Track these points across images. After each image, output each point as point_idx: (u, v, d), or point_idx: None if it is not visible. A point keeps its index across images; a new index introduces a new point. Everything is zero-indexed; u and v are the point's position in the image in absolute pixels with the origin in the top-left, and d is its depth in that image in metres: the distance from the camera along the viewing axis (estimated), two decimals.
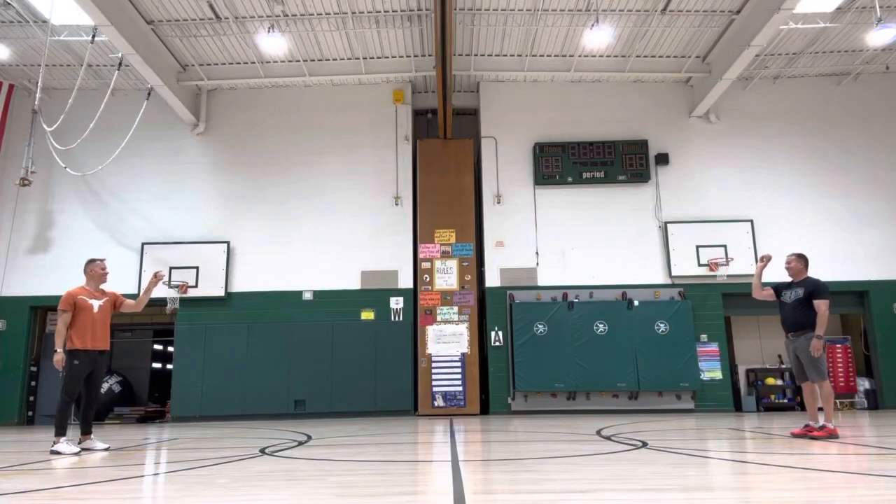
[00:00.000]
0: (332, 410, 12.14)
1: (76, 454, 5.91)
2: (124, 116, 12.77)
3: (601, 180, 13.11)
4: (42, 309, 13.27)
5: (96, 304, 6.52)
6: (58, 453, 5.89)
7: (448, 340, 12.38)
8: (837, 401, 12.51)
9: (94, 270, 6.68)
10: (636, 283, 12.65)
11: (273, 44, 11.48)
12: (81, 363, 6.27)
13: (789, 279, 6.78)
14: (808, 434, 6.20)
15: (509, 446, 5.91)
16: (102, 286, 6.75)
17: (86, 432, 6.44)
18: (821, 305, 6.30)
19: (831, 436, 6.06)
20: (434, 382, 12.19)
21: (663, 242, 12.88)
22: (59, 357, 6.17)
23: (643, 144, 13.22)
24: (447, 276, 12.69)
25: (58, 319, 6.31)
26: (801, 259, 6.73)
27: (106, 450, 6.27)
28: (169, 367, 14.25)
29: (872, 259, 12.76)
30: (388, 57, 13.04)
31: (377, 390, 12.26)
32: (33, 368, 12.92)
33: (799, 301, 6.46)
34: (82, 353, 6.29)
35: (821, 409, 6.41)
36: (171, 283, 12.58)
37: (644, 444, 5.71)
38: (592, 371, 11.99)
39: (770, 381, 12.65)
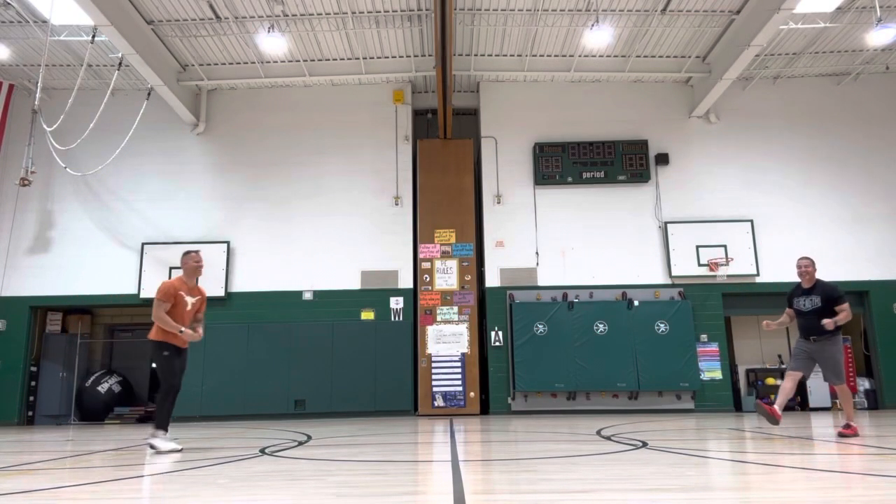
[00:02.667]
0: (332, 410, 12.14)
1: (178, 451, 5.69)
2: (124, 116, 12.78)
3: (601, 180, 13.11)
4: (42, 309, 13.27)
5: (190, 301, 6.18)
6: (154, 447, 5.70)
7: (448, 340, 12.38)
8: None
9: (188, 263, 6.29)
10: (636, 283, 12.65)
11: (273, 44, 11.48)
12: (171, 354, 6.04)
13: (801, 283, 6.83)
14: (855, 433, 6.33)
15: (509, 446, 5.91)
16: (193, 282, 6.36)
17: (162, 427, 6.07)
18: (846, 307, 6.42)
19: (855, 434, 6.24)
20: (434, 382, 12.19)
21: (663, 242, 12.88)
22: (190, 334, 5.96)
23: (643, 144, 13.23)
24: (447, 276, 12.69)
25: (155, 309, 5.94)
26: (813, 264, 6.79)
27: (180, 451, 5.89)
28: None
29: (872, 259, 12.76)
30: (388, 57, 13.04)
31: (377, 390, 12.26)
32: (33, 368, 12.92)
33: (818, 310, 6.50)
34: (172, 346, 6.05)
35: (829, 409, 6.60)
36: None
37: (644, 444, 5.71)
38: (592, 371, 12.00)
39: (770, 381, 12.64)
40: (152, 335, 6.04)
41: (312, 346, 12.45)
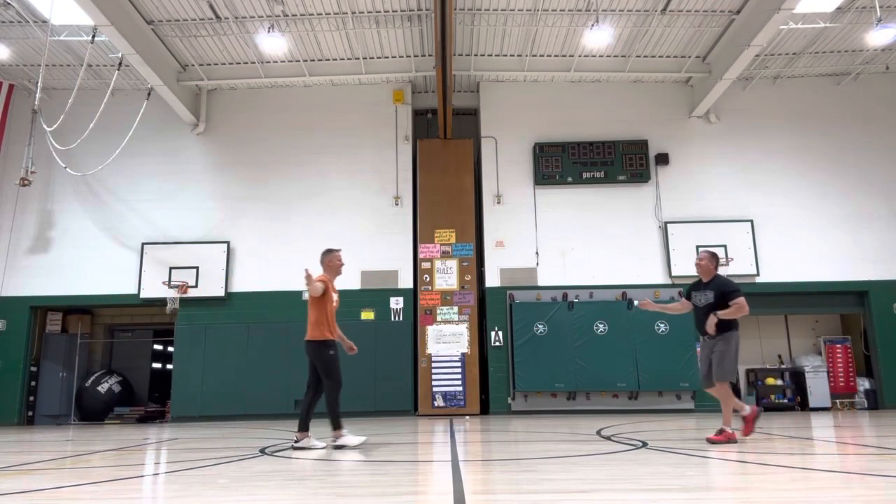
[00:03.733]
0: None
1: (362, 443, 5.67)
2: (124, 116, 12.78)
3: (601, 180, 13.11)
4: (42, 309, 13.27)
5: (335, 297, 6.23)
6: (344, 447, 5.64)
7: (448, 340, 12.37)
8: (837, 401, 12.51)
9: (333, 262, 6.26)
10: (636, 283, 12.65)
11: (273, 44, 11.48)
12: (335, 352, 6.04)
13: (700, 278, 6.34)
14: (728, 440, 5.81)
15: (509, 446, 5.91)
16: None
17: (305, 429, 6.02)
18: (738, 302, 5.87)
19: (730, 440, 5.76)
20: (434, 382, 12.19)
21: (663, 242, 12.88)
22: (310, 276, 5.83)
23: (643, 144, 13.22)
24: (447, 276, 12.69)
25: (312, 292, 5.90)
26: (713, 258, 6.24)
27: (324, 448, 5.89)
28: (169, 367, 14.25)
29: (872, 259, 12.75)
30: (388, 57, 13.04)
31: (377, 390, 12.26)
32: (33, 368, 12.92)
33: (711, 305, 6.04)
34: (333, 343, 6.07)
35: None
36: (172, 283, 12.58)
37: (644, 444, 5.71)
38: (592, 371, 11.99)
39: (770, 381, 12.65)
40: (312, 335, 5.99)
41: None
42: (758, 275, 12.56)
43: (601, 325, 12.19)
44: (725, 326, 5.96)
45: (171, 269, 12.71)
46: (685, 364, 11.99)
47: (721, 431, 5.86)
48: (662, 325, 12.19)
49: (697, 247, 12.67)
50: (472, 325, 12.49)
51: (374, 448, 5.95)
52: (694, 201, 13.05)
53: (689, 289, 6.39)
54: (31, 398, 12.83)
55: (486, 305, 12.77)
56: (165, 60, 12.36)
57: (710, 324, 5.88)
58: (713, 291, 6.04)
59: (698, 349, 6.36)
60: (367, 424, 9.79)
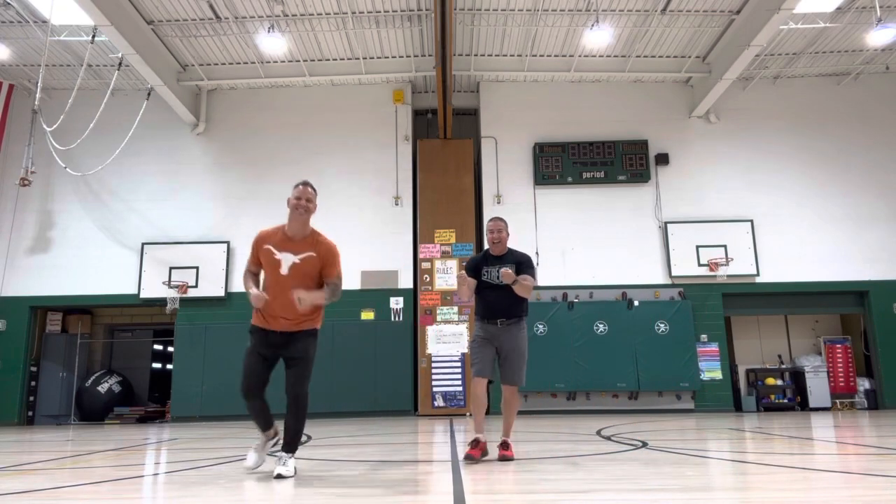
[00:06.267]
0: (332, 410, 12.13)
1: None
2: (124, 116, 12.78)
3: (601, 180, 13.11)
4: (42, 309, 13.26)
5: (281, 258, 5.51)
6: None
7: (448, 340, 12.37)
8: (837, 401, 12.52)
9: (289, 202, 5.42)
10: (636, 283, 12.64)
11: (273, 44, 11.48)
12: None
13: (489, 251, 5.26)
14: (484, 453, 4.89)
15: None
16: None
17: None
18: (530, 280, 4.86)
19: (484, 453, 4.96)
20: (434, 382, 12.19)
21: (663, 242, 12.87)
22: None
23: (643, 144, 13.22)
24: (447, 276, 12.69)
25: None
26: (507, 228, 5.25)
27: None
28: (169, 367, 14.24)
29: (872, 259, 12.75)
30: (388, 57, 13.03)
31: (377, 390, 12.26)
32: (33, 368, 12.92)
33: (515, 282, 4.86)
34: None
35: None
36: (171, 283, 12.58)
37: (644, 444, 5.71)
38: (592, 371, 11.99)
39: (770, 381, 12.64)
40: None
41: None
42: (758, 275, 12.56)
43: (601, 325, 12.19)
44: (523, 310, 5.05)
45: (171, 269, 12.71)
46: (685, 364, 11.99)
47: (506, 444, 5.01)
48: (662, 325, 12.19)
49: (697, 247, 12.68)
50: (473, 325, 12.47)
51: (374, 448, 5.95)
52: (694, 201, 13.04)
53: (479, 264, 5.14)
54: (31, 398, 12.83)
55: None
56: (165, 60, 12.35)
57: (507, 273, 4.75)
58: (513, 264, 4.97)
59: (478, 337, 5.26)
60: (368, 424, 9.79)
